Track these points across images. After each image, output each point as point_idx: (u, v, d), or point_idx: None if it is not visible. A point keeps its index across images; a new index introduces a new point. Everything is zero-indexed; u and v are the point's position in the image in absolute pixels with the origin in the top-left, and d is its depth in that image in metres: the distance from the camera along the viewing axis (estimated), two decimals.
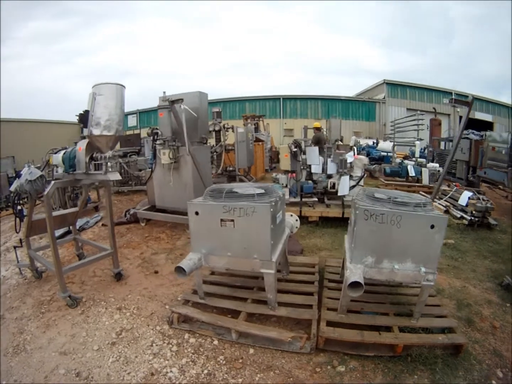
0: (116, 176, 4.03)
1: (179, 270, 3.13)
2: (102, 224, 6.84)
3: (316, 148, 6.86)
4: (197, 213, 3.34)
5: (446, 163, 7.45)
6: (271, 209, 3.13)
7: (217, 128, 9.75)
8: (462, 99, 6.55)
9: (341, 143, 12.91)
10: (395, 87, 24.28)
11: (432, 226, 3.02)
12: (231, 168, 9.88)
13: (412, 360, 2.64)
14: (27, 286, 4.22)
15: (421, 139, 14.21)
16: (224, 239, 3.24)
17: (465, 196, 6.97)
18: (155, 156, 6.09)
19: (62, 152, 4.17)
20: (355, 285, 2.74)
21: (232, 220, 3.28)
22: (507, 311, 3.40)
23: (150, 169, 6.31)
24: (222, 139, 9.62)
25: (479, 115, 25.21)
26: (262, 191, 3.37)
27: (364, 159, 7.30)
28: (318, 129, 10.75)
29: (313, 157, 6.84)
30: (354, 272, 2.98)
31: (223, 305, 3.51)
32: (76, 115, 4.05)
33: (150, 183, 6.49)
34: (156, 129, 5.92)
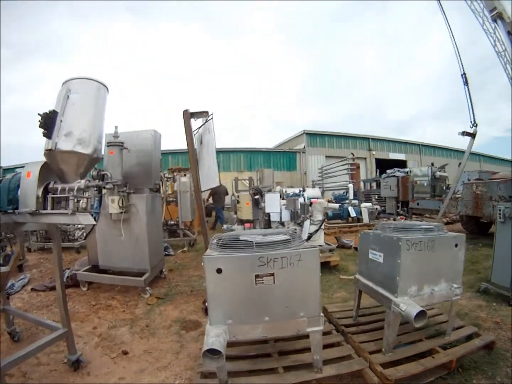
0: (90, 220, 2.41)
1: (209, 354, 1.92)
2: (32, 289, 4.56)
3: (277, 195, 6.04)
4: (219, 271, 2.10)
5: (448, 196, 7.65)
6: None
7: None
8: (469, 132, 6.64)
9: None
10: (314, 137, 23.31)
11: (456, 245, 2.88)
12: (172, 222, 8.10)
13: (464, 369, 2.52)
14: None
15: (353, 181, 13.18)
16: (260, 300, 2.10)
17: None
18: (100, 204, 4.31)
19: None
20: (418, 315, 2.27)
21: (272, 274, 2.30)
22: (497, 308, 3.46)
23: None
24: (162, 190, 7.66)
25: (393, 155, 25.31)
26: (288, 236, 2.34)
27: (324, 202, 6.62)
28: None
29: (274, 205, 5.87)
30: (412, 304, 2.52)
31: None
32: (39, 115, 2.26)
33: (91, 238, 4.48)
34: (102, 170, 4.24)
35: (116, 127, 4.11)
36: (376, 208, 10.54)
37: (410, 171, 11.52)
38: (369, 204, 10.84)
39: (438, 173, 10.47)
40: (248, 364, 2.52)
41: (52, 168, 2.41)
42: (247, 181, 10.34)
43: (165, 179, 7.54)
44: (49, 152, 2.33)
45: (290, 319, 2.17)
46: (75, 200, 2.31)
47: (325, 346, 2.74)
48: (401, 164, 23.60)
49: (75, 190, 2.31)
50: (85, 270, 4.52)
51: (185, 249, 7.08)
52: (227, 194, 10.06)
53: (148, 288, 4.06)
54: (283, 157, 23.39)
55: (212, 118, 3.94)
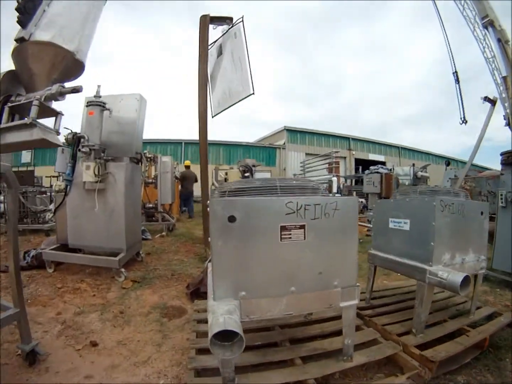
0: (56, 140, 1.55)
1: (216, 340, 1.23)
2: None
3: (268, 174, 5.46)
4: (232, 220, 1.32)
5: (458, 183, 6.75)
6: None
7: None
8: (490, 98, 5.61)
9: None
10: (294, 134, 21.70)
11: (482, 213, 2.44)
12: (150, 205, 6.78)
13: (494, 348, 2.09)
14: None
15: (337, 175, 12.07)
16: (286, 263, 1.41)
17: None
18: (73, 171, 3.08)
19: None
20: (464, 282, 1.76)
21: (302, 227, 1.61)
22: (502, 293, 3.06)
23: (64, 192, 3.15)
24: (141, 169, 6.61)
25: (373, 156, 23.68)
26: (314, 184, 1.68)
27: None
28: (187, 167, 9.44)
29: None
30: (453, 271, 1.98)
31: (270, 382, 1.54)
32: None
33: (61, 212, 3.37)
34: (79, 133, 3.10)
35: (98, 86, 3.20)
36: (362, 202, 9.98)
37: (393, 169, 11.01)
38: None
39: (420, 173, 10.19)
40: (256, 356, 1.78)
41: (20, 72, 1.63)
42: (226, 174, 9.37)
43: (146, 158, 6.30)
44: (19, 46, 1.57)
45: (322, 289, 1.49)
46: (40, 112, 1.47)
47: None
48: (381, 164, 23.35)
49: (43, 97, 1.50)
50: (52, 249, 3.41)
51: (163, 233, 6.00)
52: (196, 181, 8.84)
53: (123, 270, 3.09)
54: (263, 152, 21.65)
55: (242, 21, 3.21)
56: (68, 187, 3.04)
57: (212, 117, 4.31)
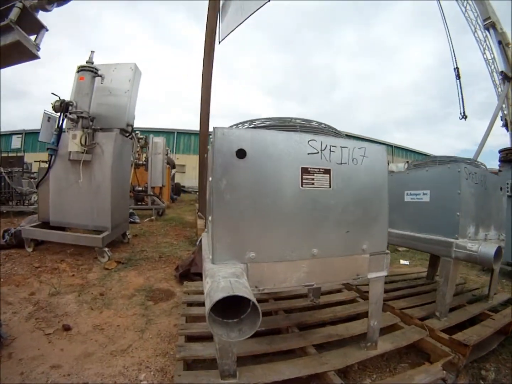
0: (32, 46, 1.19)
1: (216, 317, 0.81)
2: None
3: None
4: (241, 155, 0.94)
5: None
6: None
7: None
8: (507, 74, 5.16)
9: None
10: None
11: (501, 189, 2.15)
12: (140, 188, 6.04)
13: None
14: None
15: None
16: (307, 217, 1.01)
17: None
18: (59, 140, 2.64)
19: None
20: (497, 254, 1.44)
21: (328, 172, 1.19)
22: (508, 283, 2.72)
23: (48, 164, 2.70)
24: (132, 152, 5.61)
25: None
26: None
27: None
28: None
29: None
30: (484, 243, 1.62)
31: (282, 377, 1.11)
32: None
33: (44, 188, 2.84)
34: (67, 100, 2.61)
35: (92, 52, 2.74)
36: None
37: (388, 165, 10.70)
38: None
39: None
40: (260, 345, 1.35)
41: None
42: None
43: (137, 139, 5.52)
44: None
45: (348, 254, 1.11)
46: None
47: (359, 316, 1.72)
48: None
49: (30, 5, 1.14)
50: (32, 227, 2.85)
51: (153, 217, 5.29)
52: (174, 167, 8.21)
53: (106, 249, 2.59)
54: None
55: None
56: (52, 157, 2.57)
57: (219, 42, 3.92)
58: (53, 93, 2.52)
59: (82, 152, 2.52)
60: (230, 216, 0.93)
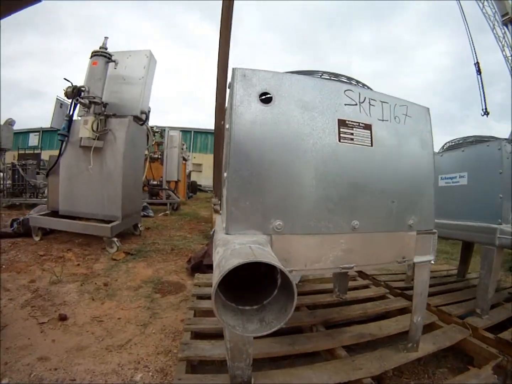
0: None
1: (226, 301, 0.57)
2: None
3: None
4: (266, 99, 0.70)
5: None
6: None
7: None
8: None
9: None
10: None
11: None
12: (154, 182, 5.61)
13: None
14: None
15: None
16: (346, 180, 0.75)
17: None
18: (70, 127, 2.43)
19: None
20: None
21: (368, 127, 0.91)
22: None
23: (59, 151, 2.48)
24: (147, 145, 5.50)
25: None
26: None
27: None
28: None
29: None
30: None
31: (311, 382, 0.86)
32: None
33: (54, 176, 2.61)
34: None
35: (105, 38, 2.58)
36: None
37: None
38: None
39: None
40: (280, 345, 1.07)
41: None
42: None
43: (152, 133, 5.36)
44: None
45: (394, 229, 0.87)
46: None
47: (389, 314, 1.44)
48: None
49: None
50: (40, 215, 2.62)
51: (167, 212, 4.84)
52: (185, 160, 7.35)
53: (115, 239, 2.32)
54: None
55: None
56: (63, 144, 2.40)
57: None
58: (65, 79, 2.36)
59: (94, 139, 2.32)
60: (251, 173, 0.70)
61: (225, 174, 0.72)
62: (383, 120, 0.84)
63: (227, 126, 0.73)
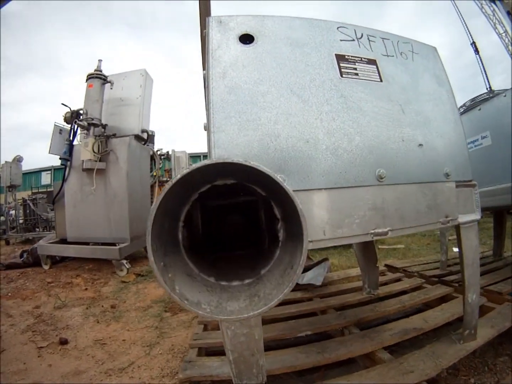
0: None
1: None
2: None
3: None
4: (248, 39, 0.56)
5: None
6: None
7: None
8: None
9: None
10: None
11: None
12: None
13: None
14: None
15: None
16: (359, 119, 0.56)
17: None
18: (71, 151, 2.32)
19: None
20: None
21: (373, 62, 0.73)
22: None
23: (62, 178, 2.39)
24: (154, 168, 4.88)
25: None
26: None
27: None
28: None
29: None
30: None
31: None
32: None
33: (59, 205, 2.48)
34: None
35: (99, 61, 2.52)
36: None
37: None
38: None
39: None
40: (308, 354, 0.80)
41: None
42: None
43: (158, 157, 5.11)
44: None
45: (428, 179, 0.65)
46: None
47: (430, 304, 1.13)
48: None
49: None
50: (48, 243, 2.43)
51: None
52: None
53: (125, 261, 2.10)
54: None
55: None
56: (66, 170, 2.30)
57: None
58: (63, 104, 2.33)
59: (96, 160, 2.20)
60: (240, 119, 0.52)
61: (204, 123, 0.54)
62: (387, 56, 0.67)
63: (204, 72, 0.57)
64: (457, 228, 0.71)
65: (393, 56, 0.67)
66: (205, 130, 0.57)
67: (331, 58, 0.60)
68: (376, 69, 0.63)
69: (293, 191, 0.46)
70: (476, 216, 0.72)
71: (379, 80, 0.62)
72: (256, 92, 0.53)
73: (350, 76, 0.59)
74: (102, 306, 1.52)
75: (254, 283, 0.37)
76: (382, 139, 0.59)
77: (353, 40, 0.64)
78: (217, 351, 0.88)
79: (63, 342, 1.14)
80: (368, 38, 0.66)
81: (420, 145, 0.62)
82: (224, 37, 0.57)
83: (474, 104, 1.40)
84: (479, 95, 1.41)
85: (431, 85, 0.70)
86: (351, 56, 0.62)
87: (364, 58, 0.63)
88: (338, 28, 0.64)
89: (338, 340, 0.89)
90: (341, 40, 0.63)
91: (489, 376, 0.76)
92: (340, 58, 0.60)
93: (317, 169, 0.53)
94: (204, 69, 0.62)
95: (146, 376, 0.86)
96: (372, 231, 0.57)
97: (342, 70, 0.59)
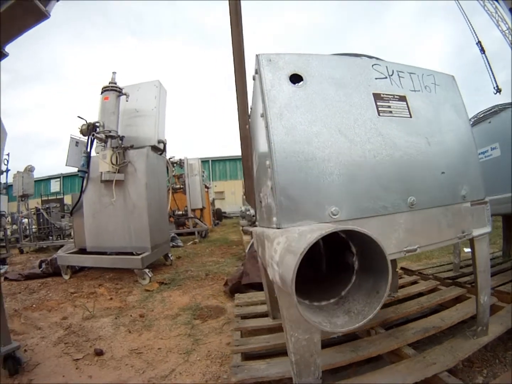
0: None
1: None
2: (5, 278, 2.63)
3: None
4: (295, 79, 0.66)
5: None
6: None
7: None
8: None
9: None
10: None
11: None
12: (180, 212, 5.40)
13: None
14: None
15: None
16: (395, 154, 0.69)
17: None
18: (89, 163, 2.45)
19: None
20: None
21: (403, 99, 0.92)
22: None
23: (80, 189, 2.50)
24: (167, 176, 5.16)
25: None
26: None
27: None
28: None
29: None
30: None
31: None
32: None
33: (78, 215, 2.61)
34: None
35: (114, 73, 2.62)
36: None
37: None
38: None
39: None
40: (343, 353, 0.94)
41: None
42: None
43: (171, 165, 4.78)
44: None
45: (449, 201, 0.79)
46: None
47: (446, 305, 1.31)
48: None
49: None
50: (68, 253, 2.56)
51: (196, 240, 4.64)
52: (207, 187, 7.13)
53: (147, 270, 2.23)
54: None
55: None
56: (84, 181, 2.39)
57: None
58: (79, 117, 2.41)
59: (114, 172, 2.30)
60: (298, 158, 0.65)
61: (267, 163, 0.66)
62: (415, 91, 0.79)
63: (261, 112, 0.69)
64: (471, 240, 0.87)
65: (419, 90, 0.80)
66: (267, 167, 0.69)
67: (369, 97, 0.72)
68: (406, 106, 0.75)
69: (347, 220, 0.60)
70: (488, 229, 0.87)
71: (409, 116, 0.75)
72: (310, 133, 0.66)
73: (386, 114, 0.72)
74: (131, 315, 1.62)
75: (341, 302, 0.51)
76: (412, 170, 0.72)
77: (386, 77, 0.76)
78: (259, 355, 1.02)
79: (99, 353, 1.22)
80: (398, 75, 0.78)
81: (443, 172, 0.76)
82: (275, 76, 0.68)
83: (484, 117, 1.56)
84: (489, 108, 1.58)
85: (452, 116, 0.83)
86: (386, 95, 0.74)
87: (396, 95, 0.75)
88: (373, 66, 0.76)
89: (367, 339, 1.04)
90: (376, 79, 0.75)
91: (499, 368, 0.92)
92: (377, 97, 0.72)
93: (363, 200, 0.67)
94: (253, 113, 0.74)
95: (189, 382, 0.97)
96: (405, 249, 0.71)
97: (379, 109, 0.72)
